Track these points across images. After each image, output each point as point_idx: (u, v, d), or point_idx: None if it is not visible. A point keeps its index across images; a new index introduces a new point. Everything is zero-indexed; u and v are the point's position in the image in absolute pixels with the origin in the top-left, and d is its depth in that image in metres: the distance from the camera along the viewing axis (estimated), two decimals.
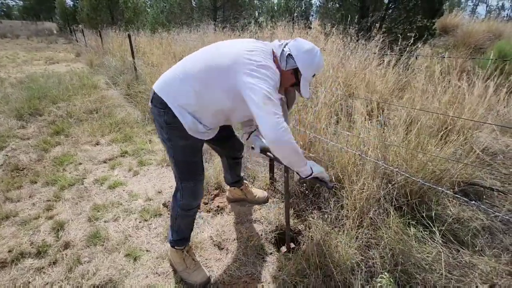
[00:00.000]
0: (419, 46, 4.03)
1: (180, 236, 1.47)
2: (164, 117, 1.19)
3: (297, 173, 1.28)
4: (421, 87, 2.42)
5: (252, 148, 1.63)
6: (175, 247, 1.49)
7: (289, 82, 1.27)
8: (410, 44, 3.38)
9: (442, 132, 1.92)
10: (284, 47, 1.22)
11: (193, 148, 1.30)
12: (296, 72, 1.23)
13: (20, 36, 19.04)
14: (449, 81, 2.40)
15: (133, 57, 5.36)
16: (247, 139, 1.63)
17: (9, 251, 1.65)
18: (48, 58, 9.72)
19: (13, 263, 1.58)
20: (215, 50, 1.21)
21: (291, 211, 1.88)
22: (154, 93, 1.22)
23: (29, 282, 1.47)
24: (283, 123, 1.07)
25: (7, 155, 2.82)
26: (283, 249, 1.63)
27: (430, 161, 1.71)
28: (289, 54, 1.20)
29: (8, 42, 15.99)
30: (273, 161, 2.23)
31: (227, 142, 1.67)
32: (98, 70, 6.93)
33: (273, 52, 1.24)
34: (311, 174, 1.24)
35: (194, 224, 1.55)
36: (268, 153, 1.57)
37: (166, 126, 1.21)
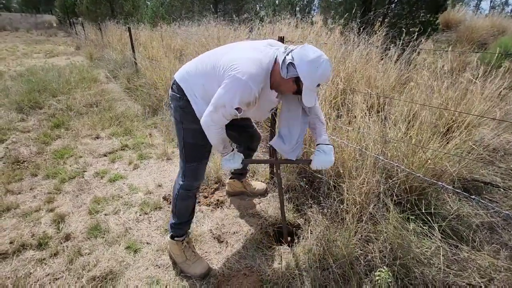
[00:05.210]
0: (422, 41, 3.98)
1: (180, 220, 1.49)
2: (179, 102, 1.33)
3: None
4: (423, 83, 2.40)
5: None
6: (175, 238, 1.51)
7: (290, 90, 1.22)
8: (413, 39, 3.35)
9: (444, 129, 1.91)
10: (288, 54, 1.16)
11: (203, 133, 1.32)
12: (298, 80, 1.16)
13: (19, 29, 18.87)
14: (452, 76, 2.38)
15: (133, 51, 5.32)
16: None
17: (11, 243, 1.66)
18: (47, 51, 9.66)
19: (14, 255, 1.59)
20: (225, 51, 1.28)
21: (291, 205, 1.88)
22: (175, 81, 1.35)
23: (30, 273, 1.48)
24: (211, 122, 1.22)
25: (7, 147, 2.82)
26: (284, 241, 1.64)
27: (431, 159, 1.71)
28: (290, 62, 1.14)
29: (8, 35, 15.87)
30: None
31: (245, 131, 1.73)
32: (98, 63, 6.89)
33: (276, 59, 1.20)
34: (222, 155, 1.40)
35: (194, 214, 1.56)
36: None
37: (180, 110, 1.34)
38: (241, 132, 1.70)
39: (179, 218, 1.50)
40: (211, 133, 1.27)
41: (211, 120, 1.22)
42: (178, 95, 1.33)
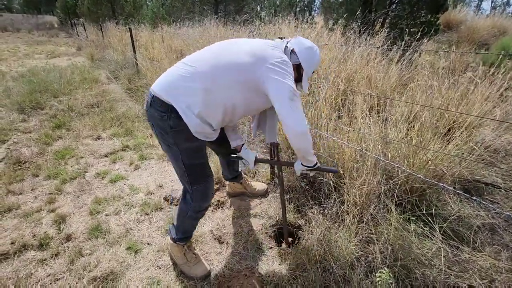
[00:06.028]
0: (424, 41, 3.98)
1: (185, 235, 1.49)
2: (167, 121, 1.12)
3: (302, 164, 1.35)
4: (424, 83, 2.40)
5: (243, 162, 1.61)
6: (177, 242, 1.50)
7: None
8: (414, 39, 3.34)
9: (445, 129, 1.91)
10: (287, 43, 1.29)
11: (199, 150, 1.28)
12: (298, 67, 1.28)
13: (21, 30, 18.95)
14: (453, 76, 2.37)
15: (134, 52, 5.34)
16: (236, 155, 1.60)
17: (12, 243, 1.67)
18: (49, 52, 9.69)
19: (15, 255, 1.60)
20: (228, 47, 1.19)
21: (291, 206, 1.88)
22: (154, 96, 1.14)
23: (32, 274, 1.49)
24: (305, 118, 1.16)
25: (9, 148, 2.83)
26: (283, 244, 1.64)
27: (432, 160, 1.71)
28: (292, 49, 1.26)
29: (9, 36, 15.93)
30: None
31: (225, 142, 1.61)
32: (99, 64, 6.91)
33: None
34: (316, 163, 1.35)
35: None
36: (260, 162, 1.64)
37: (171, 131, 1.14)
38: (222, 143, 1.58)
39: (183, 233, 1.48)
40: (309, 133, 1.17)
41: (301, 116, 1.12)
42: (163, 113, 1.11)
